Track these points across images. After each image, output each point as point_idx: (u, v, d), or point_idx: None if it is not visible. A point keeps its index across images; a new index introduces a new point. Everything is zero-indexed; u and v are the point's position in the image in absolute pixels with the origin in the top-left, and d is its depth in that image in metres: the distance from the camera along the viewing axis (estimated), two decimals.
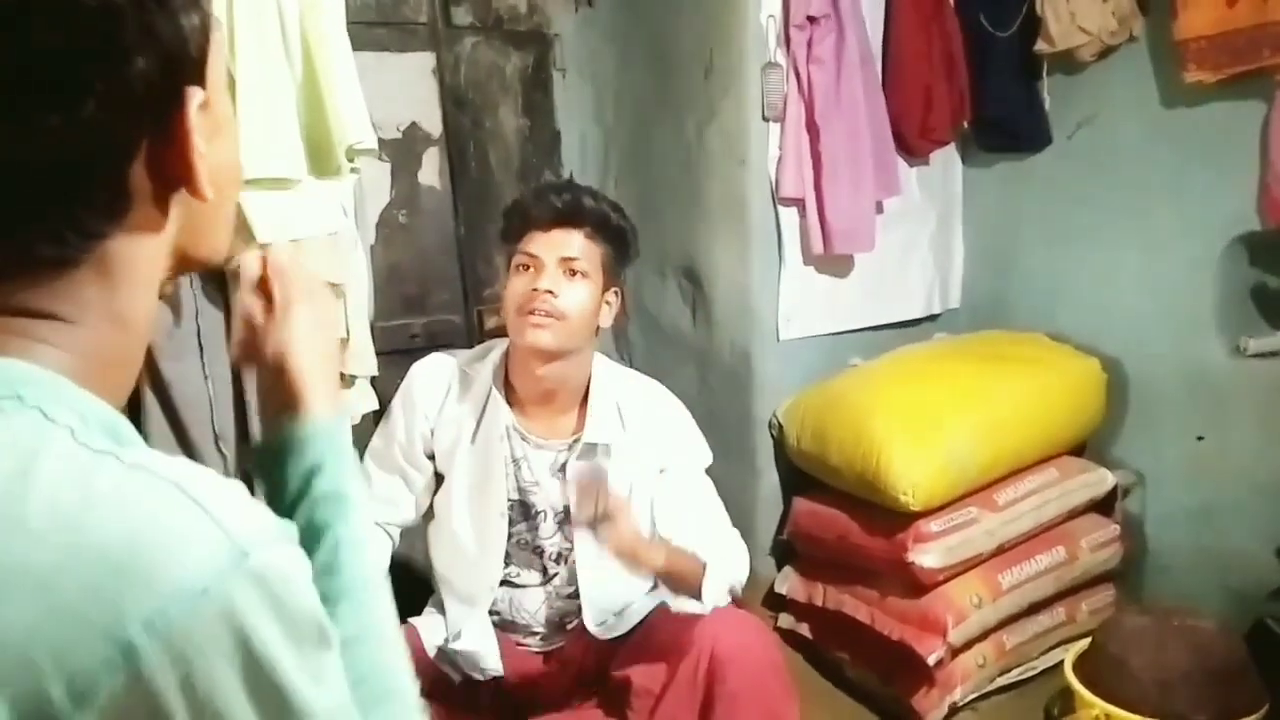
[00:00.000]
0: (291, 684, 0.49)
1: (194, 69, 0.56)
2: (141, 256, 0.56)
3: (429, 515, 1.76)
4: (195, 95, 0.55)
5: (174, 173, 0.55)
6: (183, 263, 0.62)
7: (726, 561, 1.61)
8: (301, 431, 0.73)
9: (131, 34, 0.50)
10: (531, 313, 1.55)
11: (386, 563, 1.74)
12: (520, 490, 1.67)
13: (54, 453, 0.48)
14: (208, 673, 0.46)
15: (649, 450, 1.69)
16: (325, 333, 0.78)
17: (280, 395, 0.74)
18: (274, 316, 0.75)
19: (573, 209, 1.59)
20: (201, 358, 1.67)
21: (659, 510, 1.70)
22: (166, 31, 0.52)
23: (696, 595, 1.54)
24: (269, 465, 0.73)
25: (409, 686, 0.70)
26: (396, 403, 1.73)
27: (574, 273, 1.58)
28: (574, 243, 1.58)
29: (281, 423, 0.74)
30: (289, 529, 0.52)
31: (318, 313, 0.77)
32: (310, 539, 0.66)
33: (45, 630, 0.44)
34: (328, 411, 0.74)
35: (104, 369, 0.56)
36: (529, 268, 1.59)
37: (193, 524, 0.47)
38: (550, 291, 1.55)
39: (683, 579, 1.53)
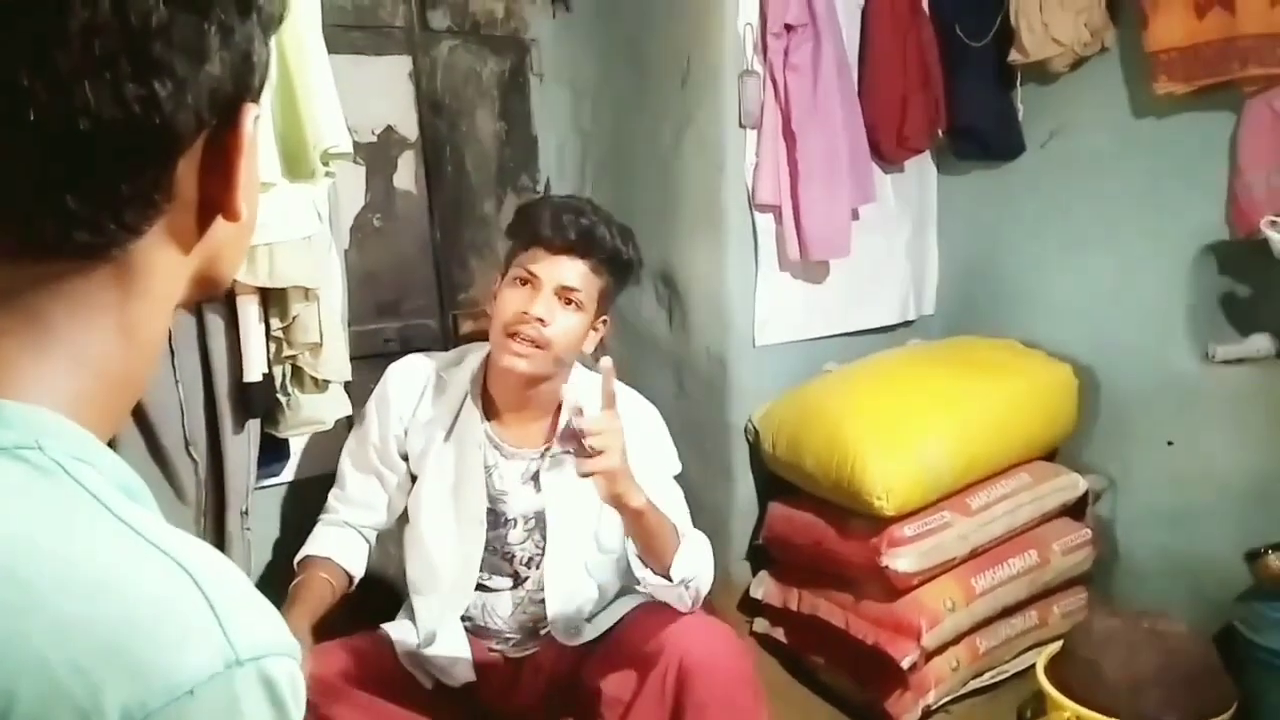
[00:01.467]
0: None
1: (255, 91, 0.56)
2: (165, 269, 0.55)
3: (404, 519, 1.75)
4: (252, 111, 0.55)
5: (217, 183, 0.55)
6: (199, 285, 0.60)
7: (699, 554, 1.57)
8: None
9: (214, 34, 0.51)
10: (515, 335, 1.54)
11: (364, 566, 1.74)
12: (490, 498, 1.67)
13: (74, 515, 0.47)
14: None
15: None
16: None
17: None
18: None
19: (585, 240, 1.56)
20: (173, 362, 1.65)
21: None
22: (242, 45, 0.53)
23: (665, 569, 1.49)
24: None
25: None
26: (371, 404, 1.73)
27: (569, 302, 1.57)
28: (577, 272, 1.56)
29: None
30: (295, 647, 0.51)
31: None
32: None
33: (24, 697, 0.42)
34: None
35: (109, 389, 0.54)
36: (526, 283, 1.57)
37: (196, 621, 0.46)
38: (540, 320, 1.54)
39: (654, 539, 1.48)
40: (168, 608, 0.46)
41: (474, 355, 1.72)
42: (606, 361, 1.40)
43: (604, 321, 1.66)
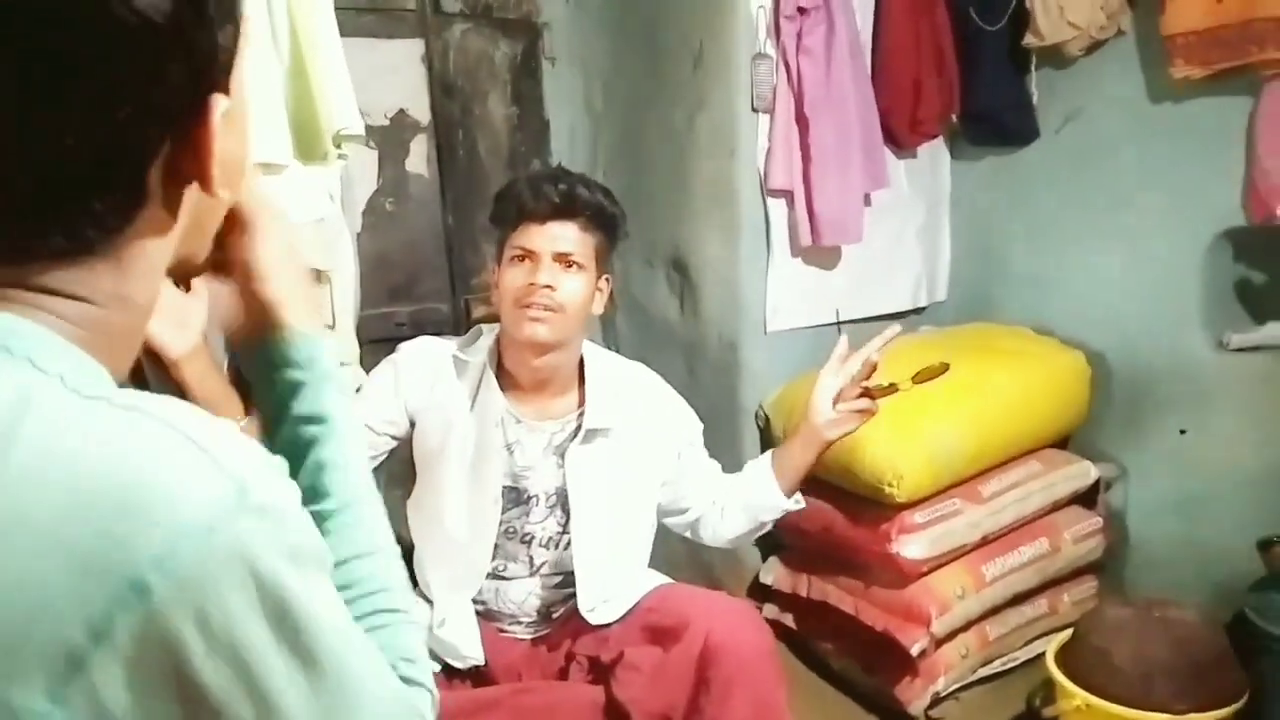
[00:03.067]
0: (302, 608, 0.51)
1: (223, 78, 0.57)
2: (152, 247, 0.57)
3: (413, 499, 1.75)
4: (220, 103, 0.56)
5: (190, 173, 0.56)
6: (186, 255, 0.62)
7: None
8: (275, 352, 0.72)
9: (169, 49, 0.52)
10: (530, 306, 1.56)
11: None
12: (513, 476, 1.67)
13: (45, 400, 0.49)
14: (221, 605, 0.48)
15: (658, 435, 1.71)
16: (296, 258, 0.75)
17: (253, 316, 0.72)
18: (243, 232, 0.72)
19: (569, 202, 1.59)
20: None
21: (686, 486, 1.77)
22: (203, 45, 0.54)
23: (790, 493, 1.74)
24: (245, 388, 0.74)
25: (408, 601, 0.72)
26: (381, 380, 1.70)
27: (570, 265, 1.59)
28: (570, 236, 1.59)
29: (254, 344, 0.73)
30: (280, 463, 0.54)
31: (287, 236, 0.75)
32: (292, 462, 0.63)
33: (56, 577, 0.45)
34: (304, 330, 0.73)
35: (108, 340, 0.56)
36: (524, 259, 1.59)
37: (193, 463, 0.49)
38: (549, 286, 1.56)
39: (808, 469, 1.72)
40: (164, 460, 0.49)
41: (487, 335, 1.72)
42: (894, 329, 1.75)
43: (606, 280, 1.68)
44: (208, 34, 0.54)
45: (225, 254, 0.72)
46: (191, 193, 0.58)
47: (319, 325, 0.76)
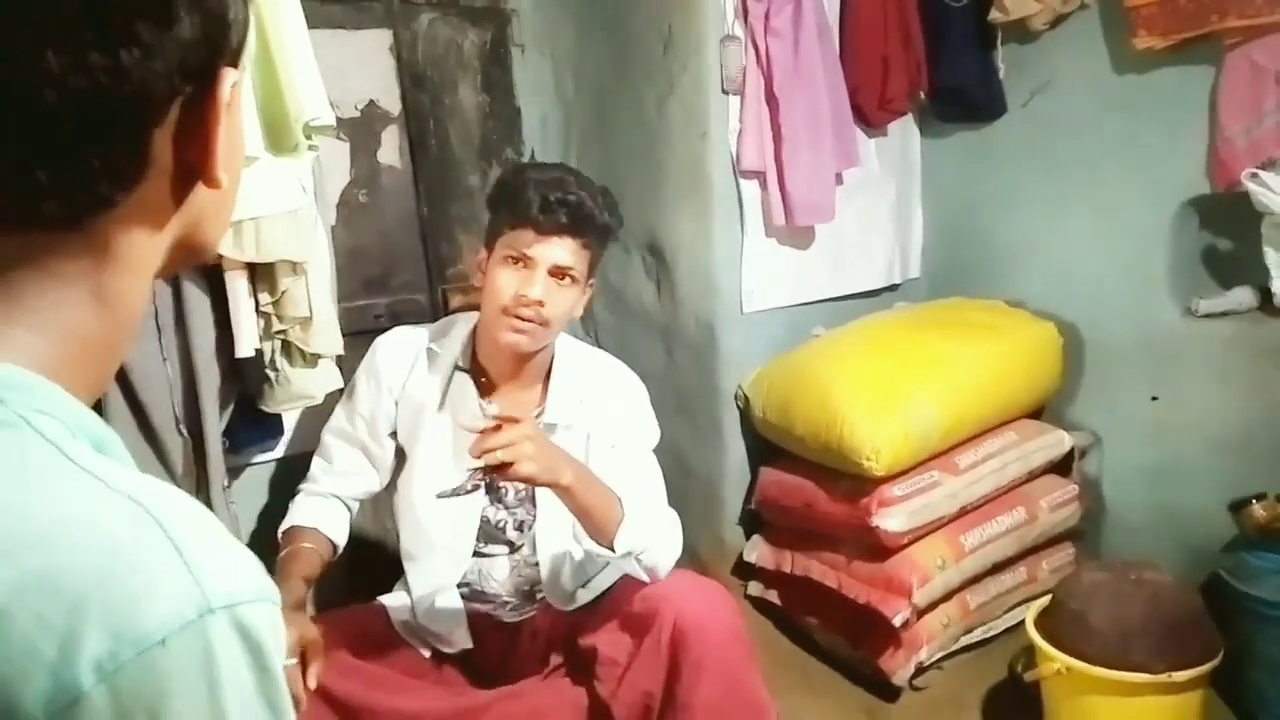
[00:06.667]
0: None
1: (232, 53, 0.55)
2: (141, 238, 0.54)
3: (392, 489, 1.76)
4: (229, 76, 0.54)
5: (194, 151, 0.54)
6: (180, 253, 0.59)
7: (648, 527, 1.56)
8: None
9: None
10: (516, 316, 1.54)
11: (347, 534, 1.73)
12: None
13: (35, 466, 0.46)
14: None
15: (603, 427, 1.70)
16: None
17: None
18: None
19: (578, 222, 1.54)
20: (159, 340, 1.65)
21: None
22: (215, 6, 0.52)
23: (608, 542, 1.50)
24: None
25: None
26: (360, 376, 1.72)
27: (564, 277, 1.57)
28: (570, 250, 1.56)
29: None
30: (273, 591, 0.49)
31: None
32: None
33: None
34: None
35: (82, 356, 0.53)
36: (518, 263, 1.55)
37: (165, 568, 0.45)
38: (540, 302, 1.54)
39: (589, 515, 1.48)
40: (134, 556, 0.45)
41: (461, 326, 1.72)
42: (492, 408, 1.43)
43: (591, 284, 1.67)
44: None
45: None
46: (197, 191, 0.56)
47: None
